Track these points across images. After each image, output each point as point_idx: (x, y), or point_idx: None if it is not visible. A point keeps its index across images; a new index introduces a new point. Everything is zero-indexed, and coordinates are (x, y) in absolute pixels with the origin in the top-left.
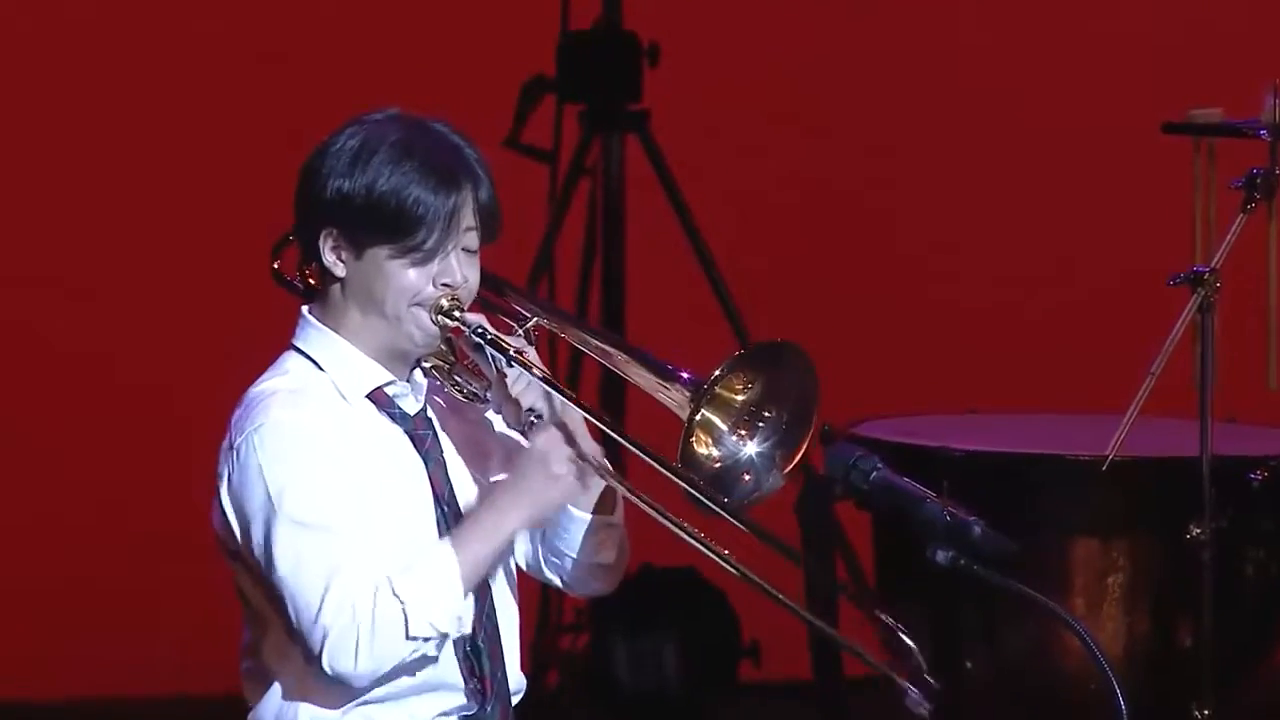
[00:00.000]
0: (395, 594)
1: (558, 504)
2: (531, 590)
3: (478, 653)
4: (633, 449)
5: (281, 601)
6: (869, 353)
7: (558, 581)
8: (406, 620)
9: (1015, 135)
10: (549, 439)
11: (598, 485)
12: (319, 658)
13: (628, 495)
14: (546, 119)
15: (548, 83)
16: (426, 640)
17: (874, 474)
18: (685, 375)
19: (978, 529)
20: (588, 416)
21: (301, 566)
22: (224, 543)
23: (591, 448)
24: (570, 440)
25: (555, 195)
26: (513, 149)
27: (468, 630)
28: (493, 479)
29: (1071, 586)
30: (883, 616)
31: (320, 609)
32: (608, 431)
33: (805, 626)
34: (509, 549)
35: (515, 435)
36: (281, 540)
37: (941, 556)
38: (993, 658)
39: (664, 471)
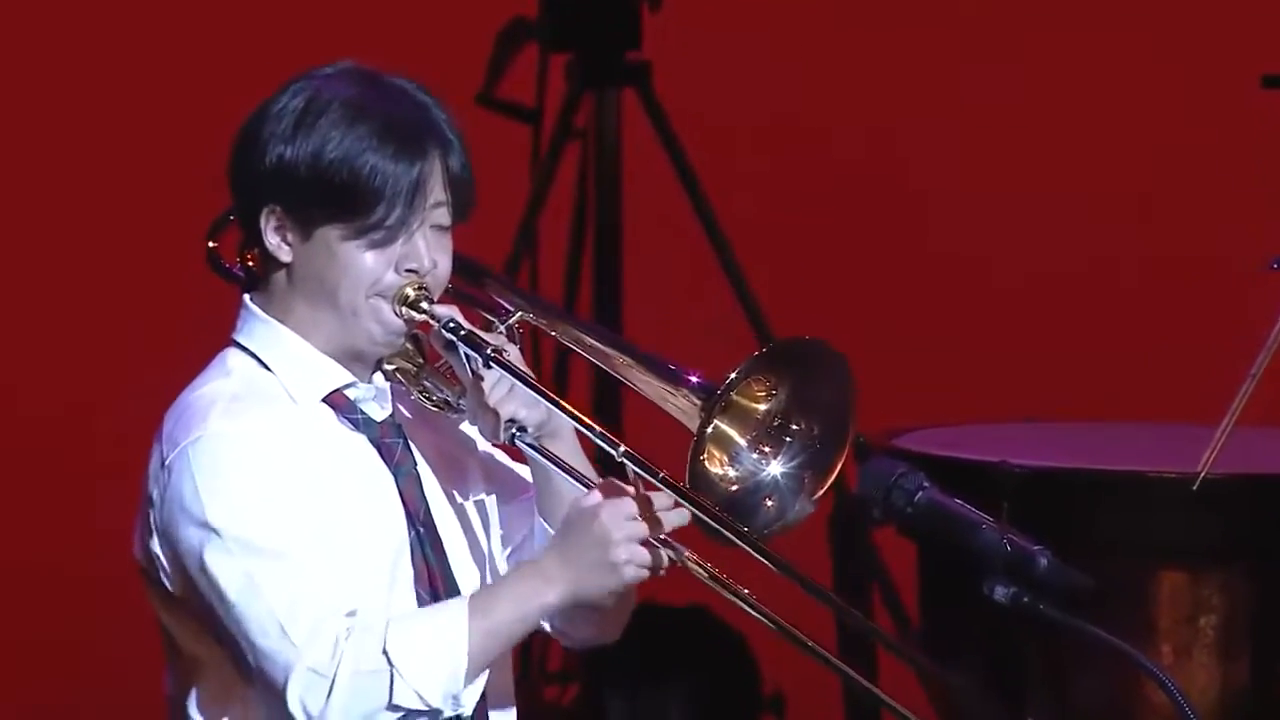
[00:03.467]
0: (385, 650)
1: (611, 596)
2: None
3: None
4: (633, 467)
5: (222, 643)
6: (910, 352)
7: (551, 631)
8: (392, 684)
9: (1075, 103)
10: (616, 514)
11: None
12: (284, 691)
13: (710, 583)
14: (528, 71)
15: (529, 27)
16: (411, 713)
17: (919, 495)
18: (695, 380)
19: (1043, 560)
20: (577, 428)
21: (255, 593)
22: (149, 578)
23: (674, 522)
24: (649, 514)
25: (539, 161)
26: (488, 106)
27: (467, 713)
28: (473, 501)
29: (1155, 629)
30: (944, 675)
31: (283, 636)
32: (602, 445)
33: (838, 676)
34: (537, 628)
35: (497, 453)
36: (227, 568)
37: (1000, 593)
38: (1061, 713)
39: (671, 493)
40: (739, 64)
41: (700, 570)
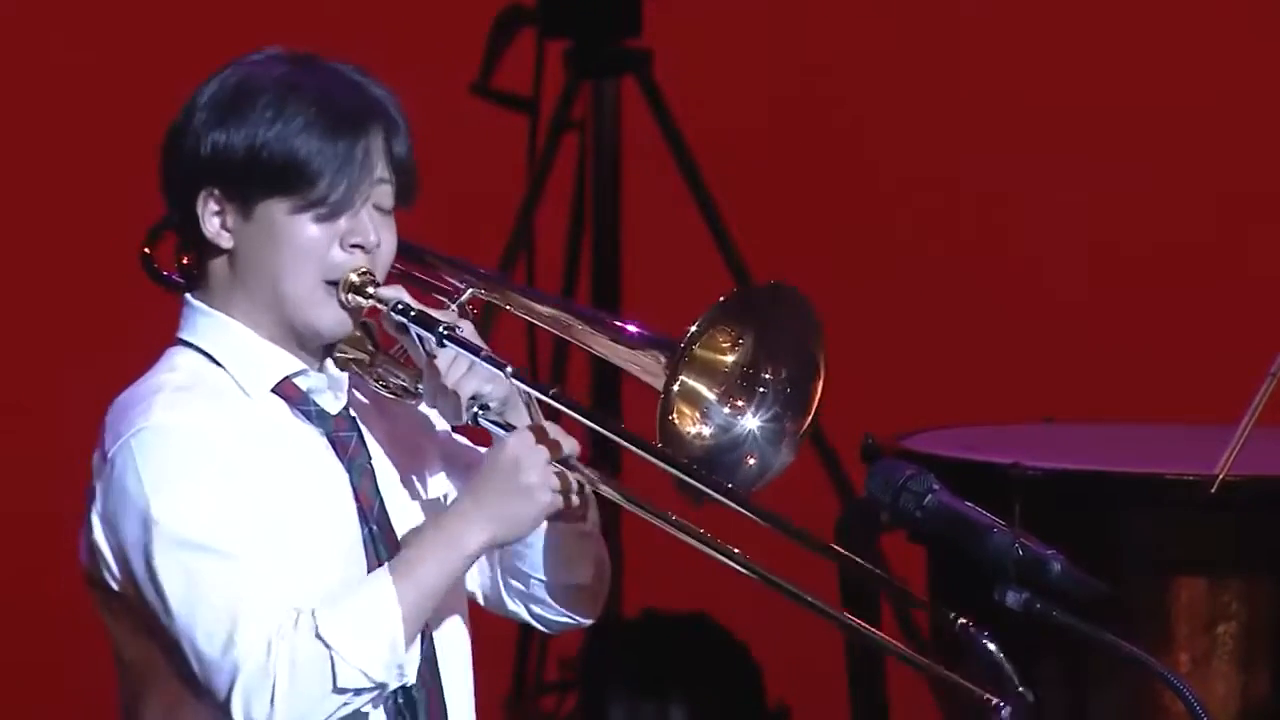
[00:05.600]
0: (319, 635)
1: (530, 523)
2: (507, 637)
3: (412, 704)
4: (595, 427)
5: (172, 648)
6: (921, 350)
7: (524, 613)
8: (334, 668)
9: (1095, 97)
10: (519, 441)
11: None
12: (228, 701)
13: (624, 503)
14: (525, 60)
15: (525, 15)
16: (359, 693)
17: (929, 497)
18: (655, 336)
19: (1057, 565)
20: (540, 396)
21: (198, 593)
22: (94, 581)
23: (572, 447)
24: (546, 440)
25: (536, 152)
26: (483, 96)
27: (411, 680)
28: (432, 492)
29: (1173, 637)
30: (961, 622)
31: (228, 642)
32: (536, 394)
33: (847, 682)
34: (463, 577)
35: (458, 438)
36: (169, 565)
37: (1013, 599)
38: None
39: (642, 454)
40: (741, 52)
41: (614, 494)
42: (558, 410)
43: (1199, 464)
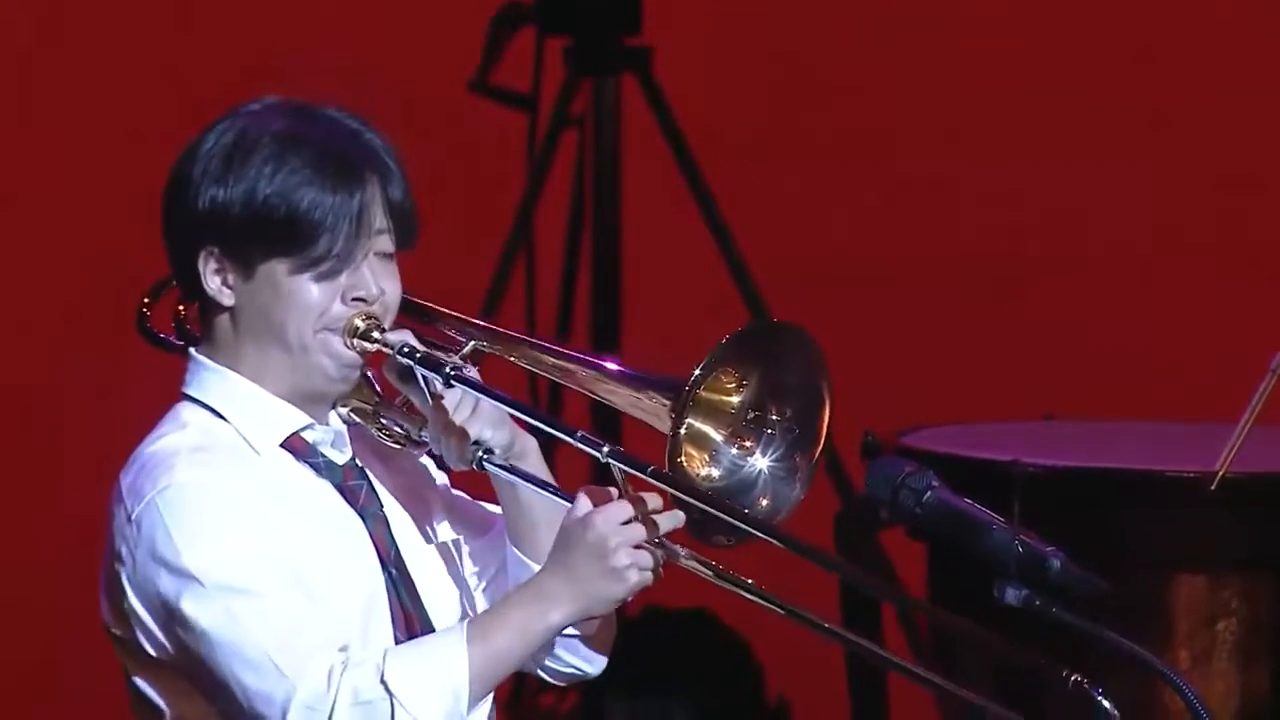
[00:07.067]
0: (384, 679)
1: (616, 603)
2: None
3: None
4: (621, 466)
5: (210, 698)
6: (920, 347)
7: (530, 666)
8: (393, 714)
9: (1097, 93)
10: (611, 519)
11: None
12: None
13: (714, 579)
14: (524, 57)
15: (525, 11)
16: None
17: (928, 495)
18: (659, 380)
19: (1057, 562)
20: (558, 434)
21: (242, 631)
22: (123, 643)
23: (671, 523)
24: (636, 520)
25: (535, 150)
26: (482, 94)
27: None
28: (441, 538)
29: (1173, 634)
30: (1075, 679)
31: (277, 673)
32: (585, 449)
33: (847, 679)
34: (541, 652)
35: (456, 491)
36: (210, 612)
37: (1012, 596)
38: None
39: (664, 487)
40: (741, 49)
41: (702, 568)
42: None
43: (1199, 461)
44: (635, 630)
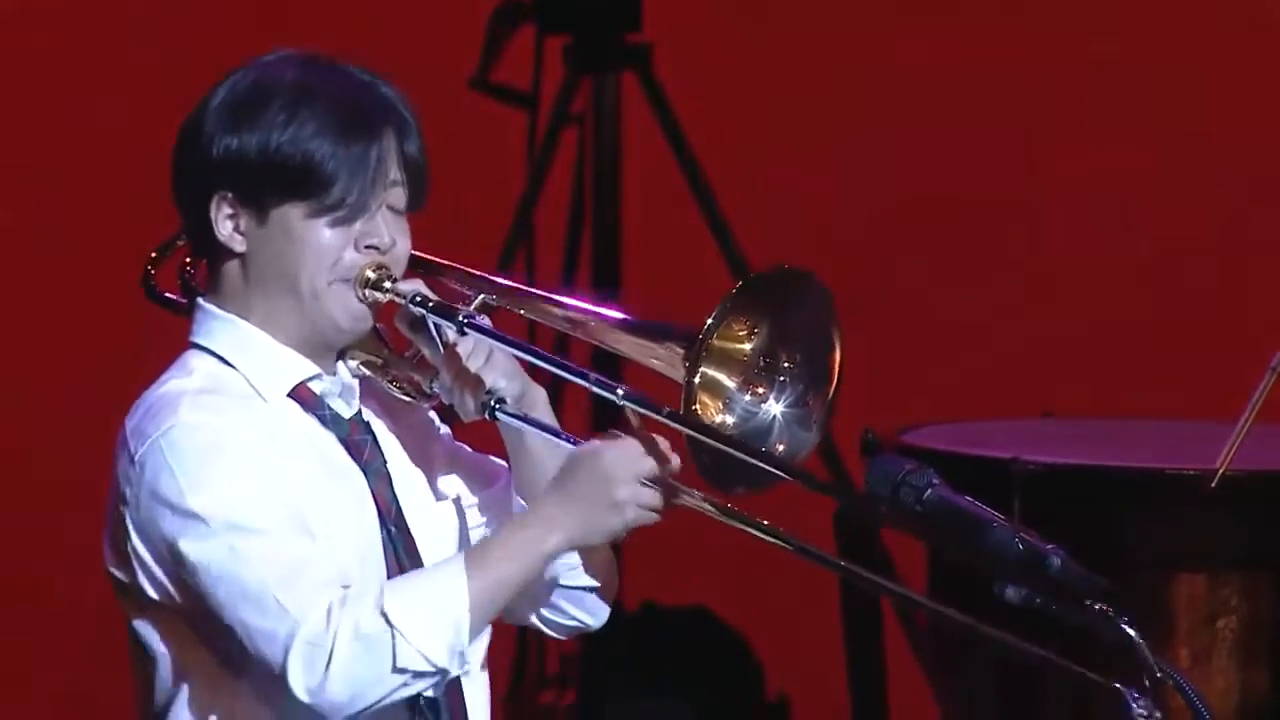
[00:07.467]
0: (383, 612)
1: (611, 535)
2: (506, 631)
3: (435, 708)
4: (635, 408)
5: (208, 641)
6: (921, 344)
7: (531, 617)
8: (395, 646)
9: (1098, 94)
10: (620, 452)
11: None
12: (284, 669)
13: (720, 517)
14: (524, 54)
15: (525, 9)
16: (418, 676)
17: (928, 492)
18: (674, 329)
19: (1056, 560)
20: (571, 378)
21: (246, 568)
22: (124, 588)
23: (673, 465)
24: (652, 453)
25: (535, 148)
26: (483, 91)
27: (475, 670)
28: (445, 495)
29: (1173, 632)
30: (1092, 605)
31: (280, 609)
32: (599, 392)
33: (846, 675)
34: (539, 578)
35: (461, 445)
36: (213, 550)
37: (1012, 594)
38: (1076, 718)
39: (680, 428)
40: (743, 46)
41: (709, 507)
42: (670, 429)
43: (1199, 459)
44: (635, 629)
